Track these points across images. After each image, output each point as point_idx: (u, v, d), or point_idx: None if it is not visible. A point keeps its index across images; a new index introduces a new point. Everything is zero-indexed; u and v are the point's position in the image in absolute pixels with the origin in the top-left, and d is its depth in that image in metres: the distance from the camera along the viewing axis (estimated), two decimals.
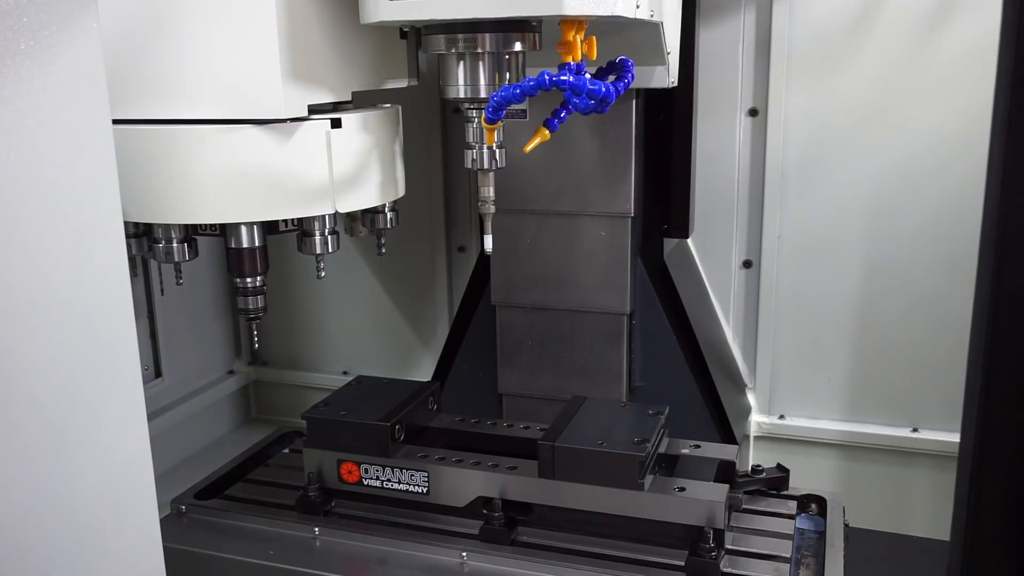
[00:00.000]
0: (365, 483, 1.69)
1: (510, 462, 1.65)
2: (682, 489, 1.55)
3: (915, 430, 2.09)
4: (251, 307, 1.57)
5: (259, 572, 1.58)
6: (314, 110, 1.47)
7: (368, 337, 2.47)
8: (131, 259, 1.17)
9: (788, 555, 1.56)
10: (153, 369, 2.28)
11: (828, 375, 2.14)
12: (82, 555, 1.02)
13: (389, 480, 1.67)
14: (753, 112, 2.04)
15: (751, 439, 2.18)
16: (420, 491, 1.66)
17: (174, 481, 1.85)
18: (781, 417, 2.18)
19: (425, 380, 1.96)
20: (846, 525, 1.69)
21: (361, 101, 1.53)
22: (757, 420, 2.19)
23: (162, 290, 2.22)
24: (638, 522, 1.56)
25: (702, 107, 2.02)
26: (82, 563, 1.02)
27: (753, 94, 2.04)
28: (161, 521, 1.70)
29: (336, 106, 1.53)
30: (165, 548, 1.62)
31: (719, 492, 1.55)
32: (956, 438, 1.49)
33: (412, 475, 1.66)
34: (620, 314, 1.96)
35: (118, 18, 1.37)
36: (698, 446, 1.75)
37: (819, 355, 2.13)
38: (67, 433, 0.98)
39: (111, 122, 1.01)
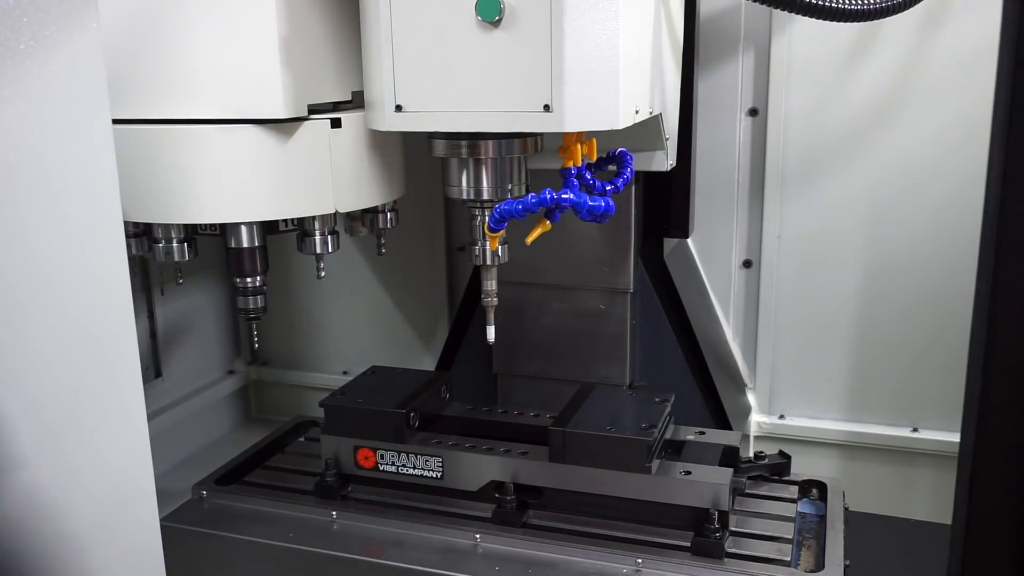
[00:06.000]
0: (381, 468, 1.74)
1: (521, 447, 1.70)
2: (688, 473, 1.60)
3: (915, 430, 2.09)
4: (251, 307, 1.58)
5: (279, 554, 1.63)
6: (314, 110, 1.47)
7: (368, 337, 2.47)
8: (131, 259, 1.17)
9: (790, 537, 1.60)
10: (153, 369, 2.28)
11: (828, 375, 2.14)
12: (82, 554, 1.02)
13: (404, 465, 1.72)
14: (753, 112, 2.04)
15: (751, 439, 2.18)
16: (434, 476, 1.71)
17: (175, 480, 1.85)
18: (781, 417, 2.18)
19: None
20: (846, 509, 1.73)
21: (361, 101, 1.53)
22: (757, 420, 2.19)
23: (162, 290, 2.22)
24: (646, 504, 1.60)
25: (702, 107, 2.01)
26: (82, 562, 1.02)
27: (753, 94, 2.04)
28: (183, 505, 1.74)
29: (336, 106, 1.53)
30: (187, 531, 1.68)
31: (724, 476, 1.60)
32: (956, 438, 1.49)
33: (427, 460, 1.70)
34: (621, 313, 1.96)
35: (118, 18, 1.37)
36: (703, 432, 1.80)
37: (819, 355, 2.13)
38: (67, 433, 0.98)
39: (111, 122, 1.01)
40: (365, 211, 1.67)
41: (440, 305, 2.38)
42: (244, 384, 2.58)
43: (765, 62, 2.00)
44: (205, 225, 1.54)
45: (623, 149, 1.59)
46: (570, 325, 1.99)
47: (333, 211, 1.52)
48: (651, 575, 1.51)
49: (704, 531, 1.55)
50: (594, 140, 1.49)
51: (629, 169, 1.57)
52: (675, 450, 1.73)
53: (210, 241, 1.59)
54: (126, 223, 1.33)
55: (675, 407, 1.77)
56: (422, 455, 1.70)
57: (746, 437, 2.17)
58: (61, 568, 1.00)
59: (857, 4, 1.56)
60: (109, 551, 1.06)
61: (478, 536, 1.60)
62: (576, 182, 1.44)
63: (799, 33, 1.96)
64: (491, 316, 1.58)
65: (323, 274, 1.65)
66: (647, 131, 1.64)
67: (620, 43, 1.29)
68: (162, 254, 1.53)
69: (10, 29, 0.87)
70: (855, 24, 1.73)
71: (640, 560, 1.52)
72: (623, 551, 1.54)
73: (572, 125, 1.31)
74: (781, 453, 1.81)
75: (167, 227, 1.52)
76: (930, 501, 2.09)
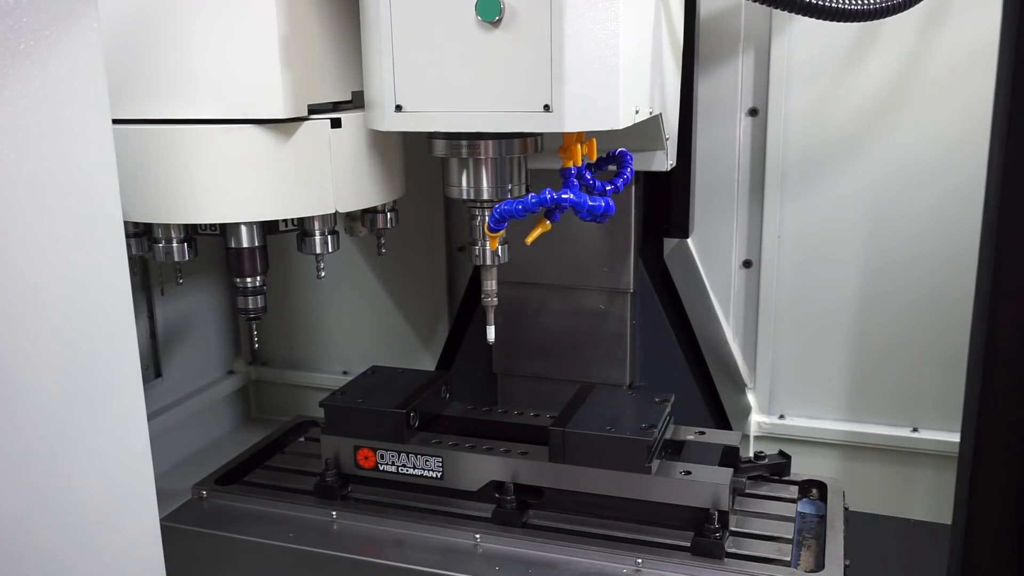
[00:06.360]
0: (381, 468, 1.74)
1: (521, 447, 1.70)
2: (688, 473, 1.60)
3: (915, 430, 2.09)
4: (251, 307, 1.58)
5: (279, 554, 1.63)
6: (314, 110, 1.47)
7: (368, 337, 2.47)
8: (131, 259, 1.17)
9: (790, 536, 1.60)
10: (153, 369, 2.28)
11: (828, 375, 2.14)
12: (82, 554, 1.02)
13: (404, 465, 1.72)
14: (753, 112, 2.04)
15: (751, 439, 2.18)
16: (434, 476, 1.71)
17: (175, 480, 1.85)
18: (781, 417, 2.18)
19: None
20: (846, 509, 1.73)
21: (361, 101, 1.53)
22: (757, 420, 2.19)
23: (162, 290, 2.22)
24: (646, 504, 1.60)
25: (702, 107, 2.01)
26: (82, 562, 1.02)
27: (753, 94, 2.04)
28: (183, 505, 1.75)
29: (336, 106, 1.53)
30: (187, 531, 1.68)
31: (723, 476, 1.60)
32: (956, 438, 1.49)
33: (427, 460, 1.70)
34: (621, 313, 1.96)
35: (118, 18, 1.37)
36: (702, 432, 1.80)
37: (819, 355, 2.13)
38: (67, 433, 0.98)
39: (111, 122, 1.01)
40: (365, 211, 1.67)
41: (440, 305, 2.38)
42: (244, 384, 2.58)
43: (765, 62, 2.00)
44: (205, 225, 1.54)
45: (623, 149, 1.59)
46: (570, 325, 1.99)
47: (333, 211, 1.52)
48: (651, 575, 1.51)
49: (704, 531, 1.55)
50: (594, 140, 1.49)
51: (629, 169, 1.58)
52: (675, 450, 1.73)
53: (210, 241, 1.59)
54: (126, 223, 1.32)
55: (675, 407, 1.77)
56: (422, 455, 1.70)
57: (746, 437, 2.17)
58: (61, 567, 1.00)
59: (857, 4, 1.56)
60: (109, 551, 1.06)
61: (478, 536, 1.60)
62: (576, 182, 1.44)
63: (799, 33, 1.96)
64: (491, 316, 1.58)
65: (323, 274, 1.65)
66: (647, 131, 1.65)
67: (620, 43, 1.29)
68: (162, 254, 1.53)
69: (10, 29, 0.87)
70: (855, 24, 1.73)
71: (640, 560, 1.52)
72: (623, 551, 1.54)
73: (572, 125, 1.31)
74: (781, 453, 1.81)
75: (167, 227, 1.52)
76: (930, 501, 2.09)
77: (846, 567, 1.54)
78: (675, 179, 1.97)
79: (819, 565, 1.56)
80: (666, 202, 2.04)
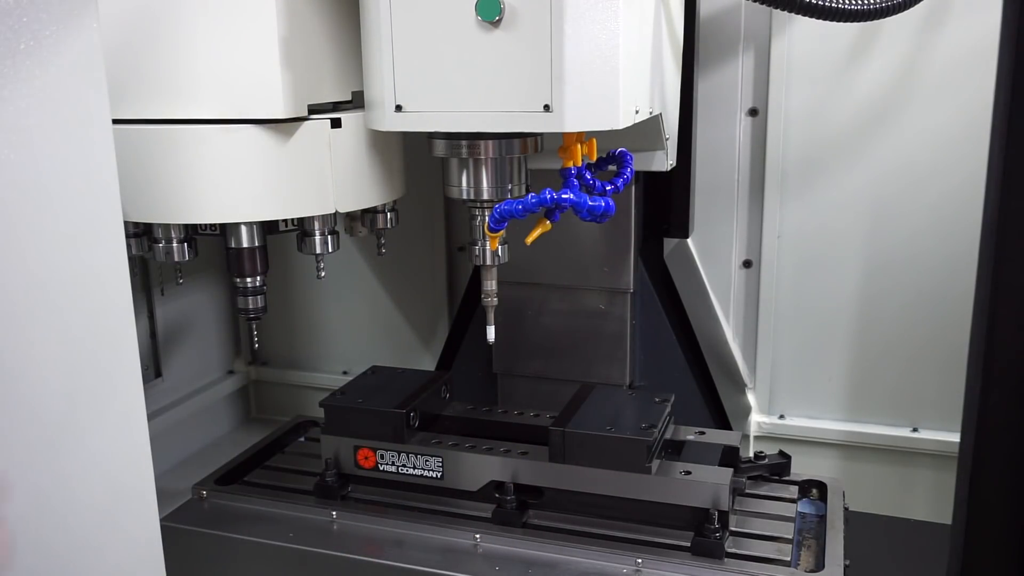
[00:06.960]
0: (381, 468, 1.74)
1: (521, 447, 1.70)
2: (688, 473, 1.60)
3: (915, 430, 2.09)
4: (251, 307, 1.58)
5: (279, 554, 1.63)
6: (314, 110, 1.47)
7: (368, 337, 2.47)
8: (131, 259, 1.17)
9: (790, 536, 1.60)
10: (153, 369, 2.28)
11: (828, 375, 2.14)
12: (82, 554, 1.02)
13: (404, 465, 1.72)
14: (753, 112, 2.04)
15: (751, 439, 2.18)
16: (434, 476, 1.71)
17: (175, 480, 1.85)
18: (781, 417, 2.18)
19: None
20: (846, 509, 1.73)
21: (361, 101, 1.53)
22: (757, 420, 2.19)
23: (162, 290, 2.22)
24: (646, 504, 1.60)
25: (702, 107, 2.01)
26: (82, 562, 1.03)
27: (753, 94, 2.04)
28: (183, 505, 1.75)
29: (336, 106, 1.53)
30: (187, 531, 1.68)
31: (723, 476, 1.60)
32: (956, 438, 1.49)
33: (427, 460, 1.71)
34: (621, 313, 1.96)
35: (119, 18, 1.37)
36: (703, 432, 1.80)
37: (819, 355, 2.13)
38: (67, 433, 0.98)
39: (111, 122, 1.01)
40: (365, 211, 1.67)
41: (440, 305, 2.38)
42: (244, 384, 2.58)
43: (765, 62, 2.00)
44: (205, 225, 1.54)
45: (623, 149, 1.59)
46: (570, 325, 1.99)
47: (333, 211, 1.52)
48: (651, 575, 1.51)
49: (704, 531, 1.55)
50: (594, 140, 1.49)
51: (629, 169, 1.58)
52: (675, 450, 1.73)
53: (210, 241, 1.59)
54: (126, 223, 1.32)
55: (675, 407, 1.77)
56: (422, 455, 1.70)
57: (746, 437, 2.17)
58: (61, 567, 1.00)
59: (857, 4, 1.56)
60: (109, 551, 1.06)
61: (478, 536, 1.60)
62: (576, 182, 1.44)
63: (799, 33, 1.96)
64: (491, 316, 1.58)
65: (323, 274, 1.65)
66: (647, 131, 1.65)
67: (620, 43, 1.29)
68: (162, 254, 1.53)
69: (10, 29, 0.87)
70: (855, 24, 1.73)
71: (640, 560, 1.52)
72: (623, 551, 1.55)
73: (572, 125, 1.31)
74: (781, 453, 1.82)
75: (167, 227, 1.52)
76: (930, 501, 2.09)
77: (846, 567, 1.54)
78: (675, 179, 1.97)
79: (819, 565, 1.56)
80: (666, 202, 2.04)
